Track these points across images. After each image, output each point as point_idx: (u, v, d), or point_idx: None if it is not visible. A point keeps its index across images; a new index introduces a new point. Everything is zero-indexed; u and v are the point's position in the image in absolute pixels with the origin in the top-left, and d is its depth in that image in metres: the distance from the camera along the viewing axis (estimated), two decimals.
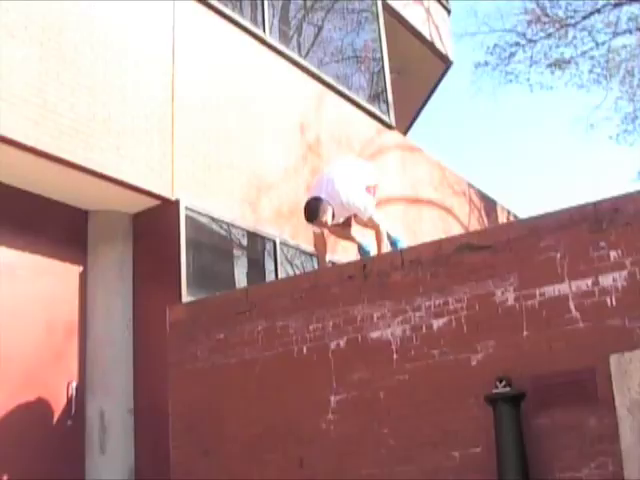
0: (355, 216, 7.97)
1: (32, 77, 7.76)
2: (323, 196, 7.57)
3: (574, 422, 5.77)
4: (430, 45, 17.08)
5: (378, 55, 14.35)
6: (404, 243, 8.26)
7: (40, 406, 8.08)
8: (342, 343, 6.92)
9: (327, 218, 7.56)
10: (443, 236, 8.10)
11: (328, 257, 8.25)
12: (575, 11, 21.78)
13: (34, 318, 8.18)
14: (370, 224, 7.90)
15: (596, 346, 5.77)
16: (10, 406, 7.79)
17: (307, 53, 12.51)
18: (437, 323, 6.49)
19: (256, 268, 10.37)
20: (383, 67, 14.27)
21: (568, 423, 5.79)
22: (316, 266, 10.25)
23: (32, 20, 7.89)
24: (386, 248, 7.84)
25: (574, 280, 5.97)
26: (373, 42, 14.45)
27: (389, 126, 13.85)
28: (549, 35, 22.19)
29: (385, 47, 14.40)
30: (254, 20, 11.22)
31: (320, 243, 8.10)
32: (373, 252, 8.05)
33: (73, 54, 8.23)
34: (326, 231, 8.15)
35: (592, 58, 22.18)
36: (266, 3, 11.44)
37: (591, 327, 5.84)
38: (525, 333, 6.09)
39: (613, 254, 5.87)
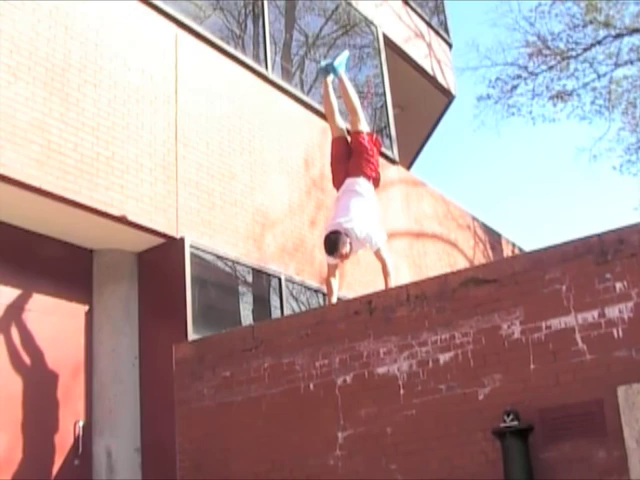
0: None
1: (36, 117, 7.80)
2: (341, 229, 7.63)
3: (583, 455, 5.74)
4: (432, 79, 17.16)
5: (380, 90, 14.42)
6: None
7: (47, 445, 8.05)
8: (349, 379, 6.91)
9: (346, 250, 7.63)
10: (448, 270, 8.10)
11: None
12: (576, 43, 21.91)
13: (40, 357, 8.18)
14: (377, 257, 7.95)
15: (603, 378, 5.75)
16: (17, 446, 7.76)
17: (310, 89, 12.57)
18: (443, 358, 6.47)
19: (262, 305, 10.37)
20: (386, 102, 14.34)
21: (577, 456, 5.76)
22: (322, 302, 10.25)
23: (36, 61, 7.96)
24: (393, 282, 7.84)
25: (580, 312, 5.96)
26: (375, 77, 14.53)
27: (392, 161, 13.87)
28: (551, 67, 22.30)
29: (387, 82, 14.48)
30: (256, 57, 11.30)
31: (333, 279, 8.10)
32: None
33: (77, 94, 8.29)
34: (339, 269, 8.19)
35: (594, 90, 22.28)
36: (268, 40, 11.53)
37: (598, 359, 5.83)
38: (532, 366, 6.08)
39: (619, 285, 5.86)
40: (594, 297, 5.94)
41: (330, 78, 8.53)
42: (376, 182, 8.19)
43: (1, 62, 7.64)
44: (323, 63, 8.71)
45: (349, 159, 8.20)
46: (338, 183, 8.22)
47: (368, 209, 7.94)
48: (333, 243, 7.62)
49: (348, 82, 8.56)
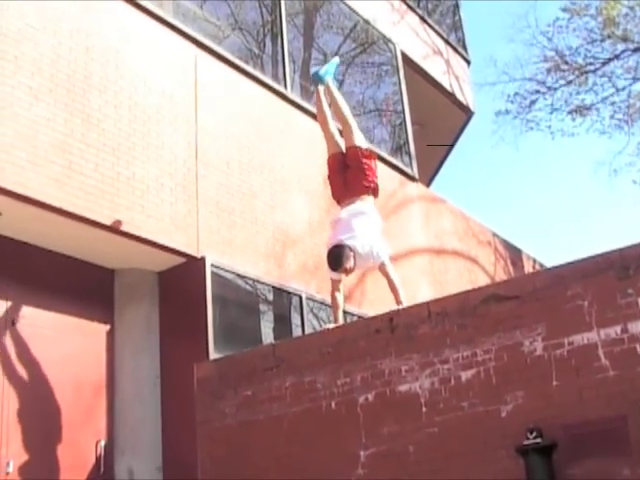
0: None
1: (57, 138, 7.86)
2: (344, 245, 7.58)
3: (607, 472, 5.68)
4: (451, 96, 17.16)
5: (399, 108, 14.44)
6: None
7: (69, 465, 8.06)
8: (371, 397, 6.88)
9: (350, 264, 7.56)
10: (469, 287, 8.07)
11: (355, 310, 8.18)
12: (594, 58, 21.88)
13: (62, 377, 8.20)
14: (382, 272, 7.89)
15: (627, 394, 5.71)
16: (39, 465, 7.77)
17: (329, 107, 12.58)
18: (465, 375, 6.44)
19: (283, 323, 10.37)
20: (404, 119, 14.34)
21: (601, 473, 5.70)
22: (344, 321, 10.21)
23: (57, 83, 8.02)
24: (403, 296, 7.77)
25: (602, 328, 5.92)
26: (394, 95, 14.56)
27: (412, 178, 13.88)
28: (569, 82, 22.27)
29: (406, 99, 14.48)
30: (275, 76, 11.33)
31: (337, 293, 8.05)
32: None
33: (98, 115, 8.34)
34: (343, 282, 8.14)
35: (613, 104, 22.22)
36: (287, 59, 11.56)
37: (621, 375, 5.78)
38: (555, 383, 6.04)
39: None
40: (616, 312, 5.90)
41: (322, 87, 8.34)
42: (375, 192, 8.18)
43: (23, 84, 7.71)
44: (312, 71, 8.61)
45: (346, 170, 8.17)
46: (337, 194, 8.20)
47: (369, 225, 7.88)
48: (337, 257, 7.54)
49: (336, 91, 8.43)
